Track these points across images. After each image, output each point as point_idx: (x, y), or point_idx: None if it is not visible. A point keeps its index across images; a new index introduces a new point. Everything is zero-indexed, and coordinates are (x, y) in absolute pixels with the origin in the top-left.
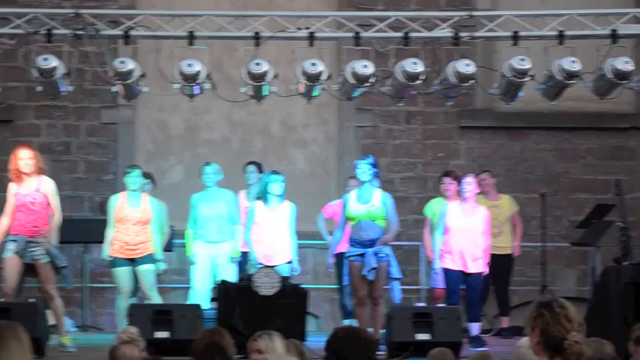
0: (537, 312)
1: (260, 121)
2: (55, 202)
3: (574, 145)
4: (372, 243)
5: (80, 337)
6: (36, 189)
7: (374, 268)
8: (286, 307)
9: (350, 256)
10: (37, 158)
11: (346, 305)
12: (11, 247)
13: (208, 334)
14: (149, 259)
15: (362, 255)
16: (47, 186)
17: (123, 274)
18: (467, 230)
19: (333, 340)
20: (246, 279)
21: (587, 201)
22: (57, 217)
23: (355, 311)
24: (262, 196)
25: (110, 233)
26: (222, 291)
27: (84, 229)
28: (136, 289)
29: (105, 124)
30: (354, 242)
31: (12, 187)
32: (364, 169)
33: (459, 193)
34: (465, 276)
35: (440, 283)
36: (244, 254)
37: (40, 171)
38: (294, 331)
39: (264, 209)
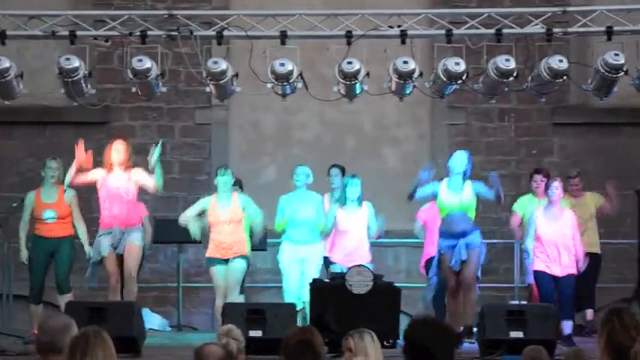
0: (607, 318)
1: (352, 119)
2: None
3: None
4: (463, 234)
5: (175, 336)
6: (127, 180)
7: (462, 261)
8: (379, 306)
9: (441, 249)
10: (128, 152)
11: (425, 295)
12: (106, 242)
13: (299, 331)
14: (241, 258)
15: (454, 246)
16: (137, 175)
17: (218, 273)
18: (556, 235)
19: (411, 328)
20: (338, 277)
21: None
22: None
23: (447, 306)
24: (341, 200)
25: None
26: (315, 290)
27: (178, 229)
28: (242, 286)
29: (199, 124)
30: (444, 235)
31: (99, 172)
32: (461, 158)
33: (547, 196)
34: (556, 279)
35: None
36: (326, 258)
37: (129, 165)
38: (387, 330)
39: (344, 213)
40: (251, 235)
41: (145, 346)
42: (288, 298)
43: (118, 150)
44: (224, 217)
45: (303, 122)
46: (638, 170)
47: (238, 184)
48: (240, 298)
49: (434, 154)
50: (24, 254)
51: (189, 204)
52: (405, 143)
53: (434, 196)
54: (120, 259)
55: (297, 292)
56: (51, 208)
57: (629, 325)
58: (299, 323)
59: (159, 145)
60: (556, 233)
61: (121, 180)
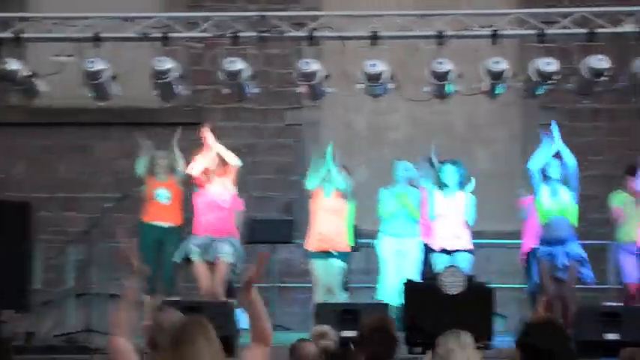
0: None
1: (443, 120)
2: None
3: None
4: (562, 241)
5: None
6: (223, 188)
7: (565, 267)
8: (472, 306)
9: (541, 256)
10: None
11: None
12: (196, 248)
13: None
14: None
15: (554, 254)
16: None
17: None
18: None
19: (528, 330)
20: (431, 278)
21: None
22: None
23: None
24: (439, 184)
25: None
26: (408, 290)
27: (271, 229)
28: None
29: (290, 125)
30: (544, 240)
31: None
32: (557, 165)
33: None
34: None
35: (629, 277)
36: (425, 245)
37: (225, 171)
38: (481, 331)
39: (441, 197)
40: None
41: (238, 346)
42: (385, 291)
43: (212, 158)
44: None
45: (394, 123)
46: None
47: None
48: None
49: (525, 155)
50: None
51: (281, 205)
52: (497, 144)
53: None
54: (209, 266)
55: (395, 285)
56: (163, 187)
57: None
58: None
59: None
60: None
61: (218, 188)
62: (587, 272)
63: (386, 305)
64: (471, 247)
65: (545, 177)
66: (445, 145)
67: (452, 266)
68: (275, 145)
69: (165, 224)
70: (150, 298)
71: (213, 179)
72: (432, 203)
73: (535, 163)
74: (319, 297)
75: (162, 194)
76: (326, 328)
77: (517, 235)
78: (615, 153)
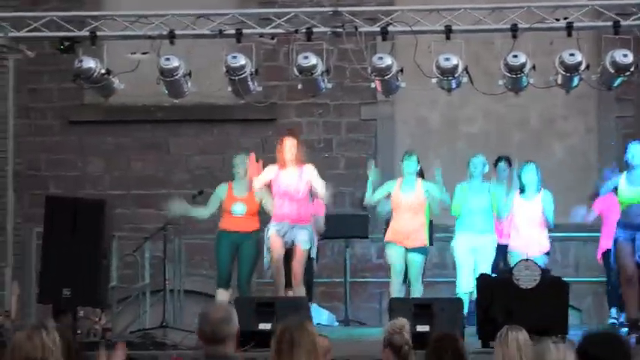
0: None
1: (518, 113)
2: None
3: None
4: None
5: (343, 331)
6: (298, 178)
7: None
8: (547, 300)
9: (618, 238)
10: (299, 149)
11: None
12: (273, 229)
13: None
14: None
15: (632, 239)
16: (309, 173)
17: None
18: None
19: (584, 342)
20: (506, 272)
21: None
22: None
23: (623, 291)
24: (520, 186)
25: None
26: (482, 284)
27: (345, 224)
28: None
29: (364, 120)
30: (623, 225)
31: (272, 170)
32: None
33: None
34: None
35: None
36: (501, 246)
37: (301, 161)
38: (556, 325)
39: (521, 199)
40: None
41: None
42: (461, 287)
43: (289, 146)
44: (405, 202)
45: (468, 116)
46: None
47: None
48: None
49: (601, 148)
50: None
51: (356, 199)
52: (572, 136)
53: (614, 189)
54: (286, 253)
55: (471, 281)
56: (241, 202)
57: None
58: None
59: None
60: None
61: (293, 177)
62: None
63: (460, 300)
64: (548, 248)
65: (627, 164)
66: (520, 139)
67: (526, 260)
68: (349, 140)
69: (242, 231)
70: (222, 291)
71: (289, 170)
72: (509, 204)
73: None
74: (395, 285)
75: (239, 210)
76: (403, 321)
77: (593, 228)
78: None
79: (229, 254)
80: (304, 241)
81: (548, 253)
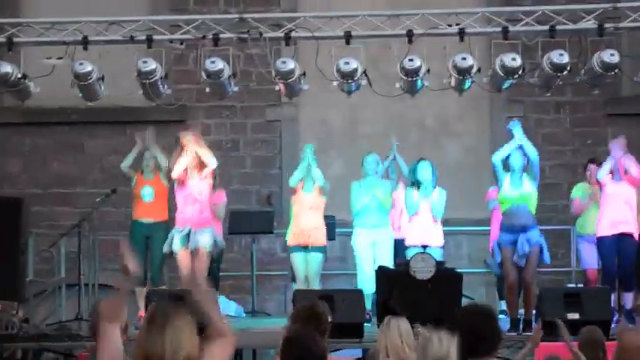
0: None
1: (415, 114)
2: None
3: None
4: (523, 229)
5: (250, 321)
6: (199, 180)
7: (525, 254)
8: (442, 291)
9: (501, 242)
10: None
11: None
12: (177, 239)
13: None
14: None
15: (514, 242)
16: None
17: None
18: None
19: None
20: (403, 264)
21: None
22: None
23: (506, 295)
24: (414, 182)
25: None
26: (381, 276)
27: (251, 220)
28: None
29: (269, 121)
30: (505, 228)
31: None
32: (517, 155)
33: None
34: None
35: (589, 264)
36: (398, 240)
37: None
38: (450, 314)
39: (416, 194)
40: None
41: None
42: (363, 281)
43: (192, 159)
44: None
45: (368, 117)
46: None
47: None
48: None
49: (493, 147)
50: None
51: (262, 197)
52: (466, 136)
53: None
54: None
55: (371, 274)
56: (149, 185)
57: None
58: (368, 308)
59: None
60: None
61: (196, 182)
62: (546, 257)
63: (360, 291)
64: (442, 242)
65: (508, 167)
66: (417, 139)
67: (422, 252)
68: (255, 141)
69: (151, 220)
70: (140, 289)
71: (192, 175)
72: (410, 200)
73: (498, 155)
74: (299, 286)
75: (147, 193)
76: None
77: (485, 222)
78: (576, 143)
79: (142, 250)
80: (207, 243)
81: (442, 247)
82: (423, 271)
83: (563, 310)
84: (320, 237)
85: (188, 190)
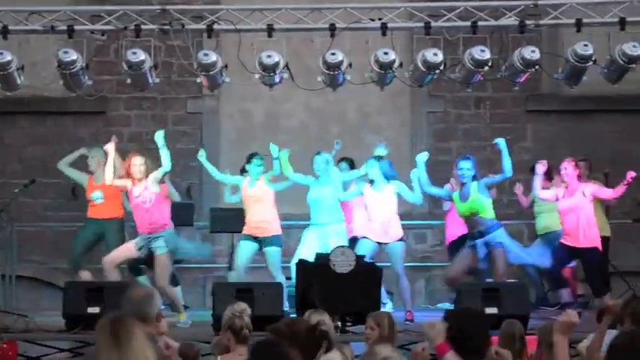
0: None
1: (336, 108)
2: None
3: (636, 126)
4: (482, 234)
5: (169, 314)
6: (145, 188)
7: (485, 257)
8: (361, 284)
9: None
10: (146, 163)
11: None
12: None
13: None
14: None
15: (473, 246)
16: (152, 179)
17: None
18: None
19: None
20: (323, 258)
21: None
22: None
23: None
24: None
25: None
26: (300, 269)
27: (173, 213)
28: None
29: (191, 113)
30: (469, 234)
31: (128, 183)
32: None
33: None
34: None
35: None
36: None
37: (152, 169)
38: (369, 307)
39: (372, 191)
40: None
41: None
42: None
43: (137, 165)
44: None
45: (289, 111)
46: (606, 154)
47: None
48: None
49: (414, 141)
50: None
51: (182, 189)
52: (387, 130)
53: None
54: (144, 261)
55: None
56: (99, 189)
57: None
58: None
59: (160, 134)
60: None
61: (139, 188)
62: (516, 255)
63: (280, 284)
64: (401, 235)
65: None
66: (338, 132)
67: (342, 246)
68: (176, 133)
69: (105, 218)
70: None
71: (136, 183)
72: (356, 192)
73: (425, 185)
74: (237, 277)
75: (98, 196)
76: (244, 305)
77: (404, 216)
78: (496, 138)
79: (84, 241)
80: (161, 247)
81: (403, 240)
82: (342, 265)
83: (481, 304)
84: (272, 229)
85: (135, 200)
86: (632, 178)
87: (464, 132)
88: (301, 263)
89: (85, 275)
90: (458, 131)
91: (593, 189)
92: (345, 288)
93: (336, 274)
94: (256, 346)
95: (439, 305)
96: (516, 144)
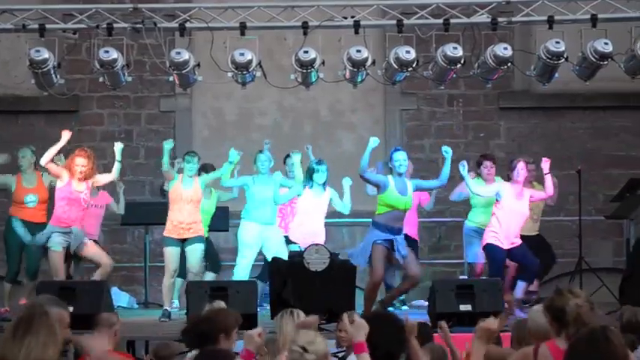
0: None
1: (309, 106)
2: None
3: (608, 123)
4: (400, 230)
5: (142, 312)
6: (86, 188)
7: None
8: (335, 282)
9: (377, 241)
10: (90, 165)
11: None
12: (59, 239)
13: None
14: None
15: (389, 242)
16: (97, 182)
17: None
18: (517, 213)
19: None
20: (297, 256)
21: (620, 176)
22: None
23: (367, 292)
24: (308, 182)
25: None
26: (275, 267)
27: (145, 211)
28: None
29: (163, 112)
30: (383, 228)
31: (65, 174)
32: (404, 158)
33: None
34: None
35: (480, 258)
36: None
37: (92, 174)
38: (343, 305)
39: (310, 195)
40: None
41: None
42: (242, 275)
43: (81, 163)
44: (185, 197)
45: (262, 109)
46: (579, 151)
47: (205, 170)
48: (208, 276)
49: (387, 138)
50: None
51: (155, 188)
52: (360, 128)
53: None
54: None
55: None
56: (32, 192)
57: (563, 291)
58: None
59: (119, 149)
60: (517, 210)
61: (82, 187)
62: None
63: (254, 282)
64: (324, 239)
65: (392, 170)
66: (311, 130)
67: (317, 244)
68: (149, 131)
69: (35, 222)
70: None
71: (79, 180)
72: (292, 194)
73: (363, 168)
74: (168, 279)
75: (32, 200)
76: (222, 303)
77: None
78: (470, 136)
79: (20, 247)
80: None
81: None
82: (316, 263)
83: (455, 302)
84: (199, 229)
85: (74, 195)
86: (547, 162)
87: (437, 129)
88: (275, 261)
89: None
90: (431, 129)
91: (531, 193)
92: (320, 286)
93: (311, 272)
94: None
95: (414, 302)
96: (489, 141)
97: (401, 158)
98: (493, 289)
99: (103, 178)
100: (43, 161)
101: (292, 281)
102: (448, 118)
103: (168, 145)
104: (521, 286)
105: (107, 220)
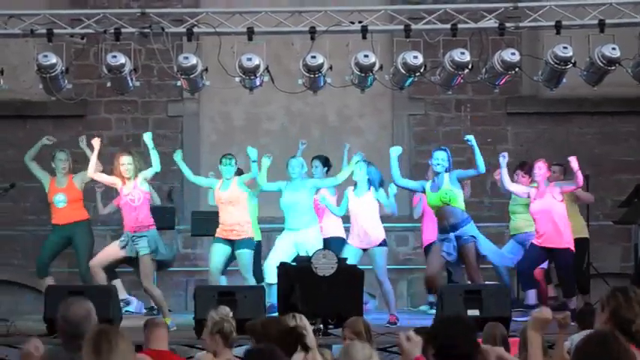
0: (611, 294)
1: (317, 111)
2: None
3: (616, 129)
4: (454, 227)
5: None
6: (133, 187)
7: (453, 250)
8: (343, 287)
9: (436, 242)
10: (134, 162)
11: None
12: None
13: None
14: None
15: (444, 240)
16: (142, 179)
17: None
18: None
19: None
20: (305, 260)
21: (628, 181)
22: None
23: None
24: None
25: None
26: (282, 272)
27: (153, 216)
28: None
29: (171, 117)
30: (439, 229)
31: (118, 181)
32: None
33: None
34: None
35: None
36: (334, 240)
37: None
38: (351, 310)
39: (354, 196)
40: None
41: (121, 328)
42: (270, 277)
43: (127, 162)
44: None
45: (270, 114)
46: (586, 156)
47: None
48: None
49: (395, 143)
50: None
51: (163, 192)
52: (368, 133)
53: (419, 190)
54: (128, 260)
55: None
56: (61, 192)
57: (633, 299)
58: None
59: (148, 135)
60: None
61: (129, 187)
62: (487, 248)
63: (261, 287)
64: (383, 239)
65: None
66: (319, 135)
67: (324, 249)
68: (157, 136)
69: (70, 223)
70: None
71: (126, 182)
72: (346, 201)
73: (396, 178)
74: (212, 279)
75: (60, 200)
76: (227, 309)
77: (385, 219)
78: (478, 141)
79: (58, 249)
80: (143, 247)
81: (383, 245)
82: (324, 268)
83: (463, 307)
84: (243, 232)
85: (124, 198)
86: (574, 159)
87: (444, 134)
88: (283, 266)
89: (49, 281)
90: (438, 134)
91: (560, 187)
92: (327, 291)
93: (318, 276)
94: (249, 353)
95: (422, 308)
96: (496, 146)
97: (439, 157)
98: (500, 295)
99: (148, 173)
100: (90, 174)
101: (300, 286)
102: (456, 123)
103: (177, 155)
104: (533, 292)
105: (115, 225)
